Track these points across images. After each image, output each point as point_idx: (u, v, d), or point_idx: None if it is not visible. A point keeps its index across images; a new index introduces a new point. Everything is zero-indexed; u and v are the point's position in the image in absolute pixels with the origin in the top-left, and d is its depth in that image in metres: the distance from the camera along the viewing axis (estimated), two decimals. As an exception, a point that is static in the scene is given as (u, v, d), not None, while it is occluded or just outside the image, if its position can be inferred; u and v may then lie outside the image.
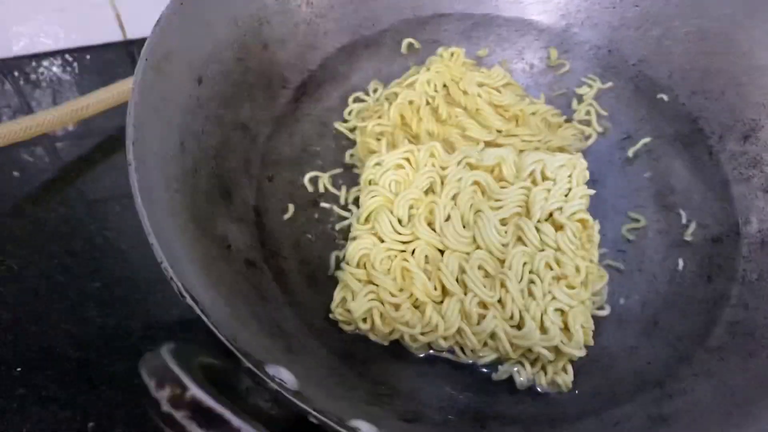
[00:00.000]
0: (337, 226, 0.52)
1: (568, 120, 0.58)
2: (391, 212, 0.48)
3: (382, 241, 0.47)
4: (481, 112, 0.55)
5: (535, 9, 0.62)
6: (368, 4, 0.60)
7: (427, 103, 0.55)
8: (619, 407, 0.44)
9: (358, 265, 0.47)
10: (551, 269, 0.45)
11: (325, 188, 0.54)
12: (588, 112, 0.58)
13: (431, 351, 0.46)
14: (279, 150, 0.54)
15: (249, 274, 0.46)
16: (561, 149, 0.54)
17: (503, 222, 0.48)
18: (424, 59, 0.60)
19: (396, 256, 0.47)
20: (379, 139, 0.53)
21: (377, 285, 0.46)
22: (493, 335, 0.44)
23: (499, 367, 0.46)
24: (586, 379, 0.45)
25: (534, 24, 0.63)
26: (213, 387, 0.27)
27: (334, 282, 0.48)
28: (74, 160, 0.62)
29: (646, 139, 0.57)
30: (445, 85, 0.57)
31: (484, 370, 0.46)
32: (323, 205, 0.53)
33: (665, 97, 0.58)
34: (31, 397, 0.49)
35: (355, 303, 0.45)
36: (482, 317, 0.45)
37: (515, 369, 0.45)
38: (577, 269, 0.45)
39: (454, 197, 0.48)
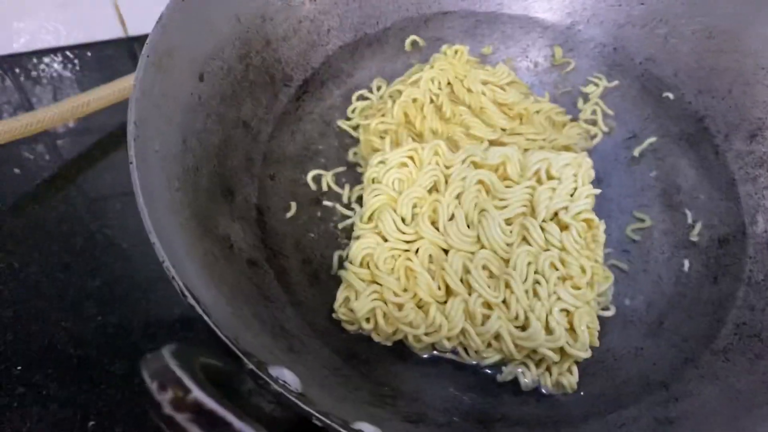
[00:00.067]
0: (340, 225, 0.52)
1: (574, 119, 0.58)
2: (395, 211, 0.47)
3: (386, 241, 0.47)
4: (486, 111, 0.55)
5: (540, 6, 0.62)
6: (371, 1, 0.60)
7: (431, 101, 0.55)
8: (625, 409, 0.44)
9: (361, 265, 0.46)
10: (556, 269, 0.45)
11: (329, 186, 0.53)
12: (594, 112, 0.58)
13: (435, 352, 0.46)
14: (281, 148, 0.54)
15: (251, 274, 0.45)
16: (566, 148, 0.54)
17: (508, 221, 0.47)
18: (427, 57, 0.59)
19: (399, 256, 0.46)
20: (382, 138, 0.53)
21: (381, 285, 0.45)
22: (497, 336, 0.44)
23: (504, 368, 0.45)
24: (591, 381, 0.45)
25: (539, 21, 0.62)
26: (215, 389, 0.27)
27: (336, 281, 0.48)
28: (75, 157, 0.62)
29: (652, 139, 0.56)
30: (449, 83, 0.56)
31: (488, 371, 0.46)
32: (326, 203, 0.53)
33: (671, 96, 0.58)
34: (31, 396, 0.48)
35: (359, 303, 0.45)
36: (486, 318, 0.44)
37: (520, 370, 0.45)
38: (583, 269, 0.45)
39: (458, 196, 0.48)
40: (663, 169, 0.55)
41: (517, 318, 0.44)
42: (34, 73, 0.68)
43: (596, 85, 0.60)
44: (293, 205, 0.52)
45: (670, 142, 0.56)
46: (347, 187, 0.54)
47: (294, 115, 0.55)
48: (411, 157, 0.49)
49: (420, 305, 0.45)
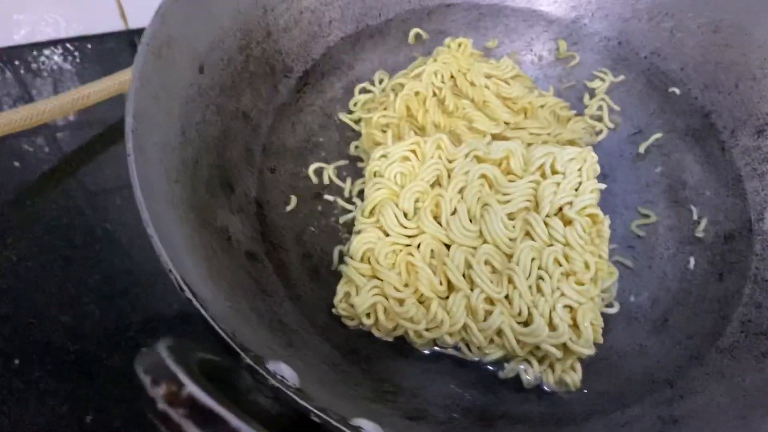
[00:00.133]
0: (341, 219, 0.51)
1: (579, 114, 0.57)
2: (397, 205, 0.47)
3: (387, 235, 0.46)
4: (489, 104, 0.54)
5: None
6: (373, -8, 0.59)
7: (434, 94, 0.54)
8: (629, 407, 0.43)
9: (362, 260, 0.46)
10: (560, 265, 0.44)
11: (330, 180, 0.53)
12: (600, 107, 0.57)
13: (436, 347, 0.45)
14: (281, 141, 0.53)
15: (250, 268, 0.45)
16: (571, 143, 0.53)
17: (511, 216, 0.47)
18: (430, 50, 0.59)
19: (401, 251, 0.46)
20: (384, 131, 0.52)
21: (381, 280, 0.45)
22: (499, 332, 0.43)
23: (506, 364, 0.45)
24: (594, 378, 0.44)
25: (543, 15, 0.61)
26: (211, 384, 0.26)
27: (337, 276, 0.47)
28: (75, 150, 0.61)
29: (658, 134, 0.56)
30: (452, 76, 0.55)
31: (490, 367, 0.45)
32: (327, 197, 0.52)
33: (677, 91, 0.57)
34: (29, 390, 0.48)
35: (359, 298, 0.44)
36: (489, 313, 0.44)
37: (522, 367, 0.44)
38: (587, 265, 0.44)
39: (461, 190, 0.47)
40: (668, 164, 0.55)
41: (520, 314, 0.43)
42: (34, 66, 0.67)
43: (602, 80, 0.59)
44: (293, 198, 0.51)
45: (676, 138, 0.56)
46: (349, 180, 0.53)
47: (294, 106, 0.55)
48: (413, 151, 0.48)
49: (421, 300, 0.45)
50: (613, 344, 0.46)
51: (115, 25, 0.69)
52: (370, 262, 0.45)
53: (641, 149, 0.55)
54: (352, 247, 0.46)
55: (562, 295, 0.43)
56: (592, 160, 0.48)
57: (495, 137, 0.52)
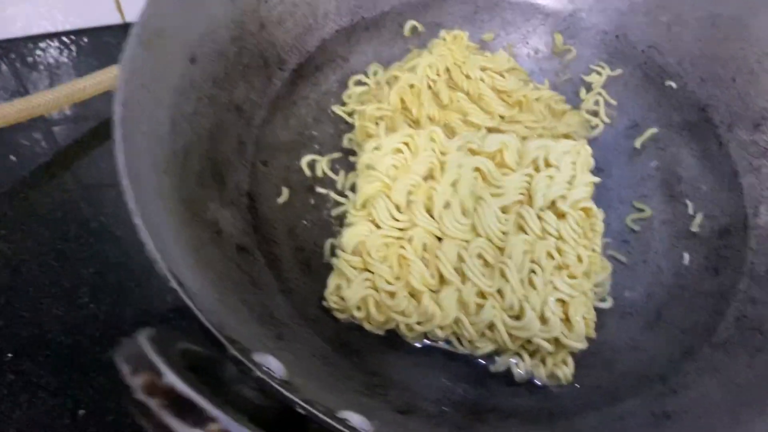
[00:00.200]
0: (334, 212, 0.51)
1: (575, 108, 0.57)
2: (389, 198, 0.46)
3: (379, 228, 0.46)
4: (484, 97, 0.54)
5: (542, -8, 0.61)
6: (369, -15, 0.59)
7: (429, 87, 0.54)
8: (621, 402, 0.43)
9: (353, 252, 0.45)
10: (552, 258, 0.44)
11: (323, 173, 0.53)
12: (597, 102, 0.57)
13: (427, 341, 0.45)
14: (275, 133, 0.53)
15: (240, 260, 0.44)
16: (566, 136, 0.53)
17: (505, 210, 0.46)
18: (426, 42, 0.58)
19: (393, 244, 0.45)
20: (378, 124, 0.52)
21: (373, 273, 0.44)
22: (491, 326, 0.43)
23: (497, 358, 0.44)
24: (587, 373, 0.44)
25: (540, 8, 0.61)
26: (194, 375, 0.26)
27: (329, 269, 0.47)
28: (71, 144, 0.61)
29: (654, 128, 0.55)
30: (447, 69, 0.55)
31: (482, 361, 0.45)
32: (320, 190, 0.52)
33: (674, 85, 0.57)
34: (22, 383, 0.48)
35: (350, 291, 0.44)
36: (480, 307, 0.43)
37: (513, 361, 0.44)
38: (579, 259, 0.44)
39: (454, 184, 0.47)
40: (664, 159, 0.54)
41: (511, 308, 0.43)
42: (29, 59, 0.67)
43: (599, 73, 0.58)
44: (286, 191, 0.51)
45: (672, 132, 0.55)
46: (342, 173, 0.53)
47: (288, 99, 0.54)
48: (406, 144, 0.48)
49: (413, 294, 0.44)
50: (606, 339, 0.46)
51: (111, 18, 0.69)
52: (361, 255, 0.45)
53: (637, 143, 0.55)
54: (343, 239, 0.46)
55: (555, 288, 0.43)
56: (586, 153, 0.47)
57: (490, 130, 0.52)
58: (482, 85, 0.54)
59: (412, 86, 0.54)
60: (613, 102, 0.57)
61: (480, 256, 0.45)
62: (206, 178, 0.46)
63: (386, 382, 0.43)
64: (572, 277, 0.44)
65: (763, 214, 0.50)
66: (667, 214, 0.52)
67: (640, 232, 0.51)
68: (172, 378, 0.23)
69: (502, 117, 0.54)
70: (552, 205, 0.46)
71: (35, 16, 0.67)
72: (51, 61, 0.67)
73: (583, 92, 0.58)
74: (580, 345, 0.43)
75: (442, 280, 0.45)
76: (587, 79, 0.58)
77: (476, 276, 0.43)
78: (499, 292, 0.44)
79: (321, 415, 0.30)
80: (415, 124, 0.53)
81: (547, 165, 0.47)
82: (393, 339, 0.46)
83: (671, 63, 0.57)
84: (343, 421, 0.31)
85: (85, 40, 0.68)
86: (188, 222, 0.41)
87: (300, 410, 0.30)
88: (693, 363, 0.44)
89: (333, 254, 0.48)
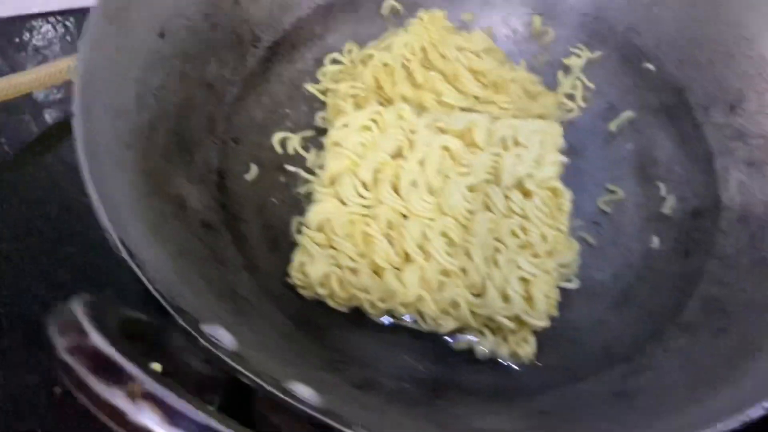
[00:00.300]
0: (302, 190, 0.51)
1: (551, 90, 0.56)
2: (356, 175, 0.46)
3: (345, 205, 0.46)
4: (459, 78, 0.53)
5: (523, -27, 0.60)
6: (346, -38, 0.58)
7: (403, 66, 0.54)
8: (584, 382, 0.43)
9: (318, 229, 0.45)
10: (517, 237, 0.44)
11: (295, 151, 0.52)
12: (574, 86, 0.56)
13: (392, 318, 0.45)
14: (247, 111, 0.53)
15: (204, 236, 0.44)
16: (540, 117, 0.52)
17: (472, 189, 0.46)
18: (404, 22, 0.57)
19: (358, 221, 0.45)
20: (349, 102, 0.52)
21: (337, 249, 0.44)
22: (454, 303, 0.43)
23: (459, 336, 0.44)
24: (550, 352, 0.44)
25: (520, -11, 0.60)
26: (132, 342, 0.26)
27: (296, 247, 0.47)
28: (55, 125, 0.60)
29: (630, 111, 0.55)
30: (423, 49, 0.54)
31: (448, 339, 0.45)
32: (290, 168, 0.52)
33: (651, 67, 0.56)
34: (-1, 361, 0.48)
35: (313, 267, 0.44)
36: (443, 285, 0.43)
37: (476, 339, 0.44)
38: (543, 237, 0.44)
39: (421, 162, 0.46)
40: (640, 142, 0.54)
41: (474, 285, 0.43)
42: (17, 40, 0.67)
43: (578, 56, 0.58)
44: (255, 168, 0.51)
45: (649, 115, 0.55)
46: (313, 152, 0.52)
47: (262, 77, 0.54)
48: (375, 120, 0.48)
49: (376, 271, 0.44)
50: (571, 319, 0.46)
51: (98, -2, 0.68)
52: (325, 232, 0.45)
53: (613, 126, 0.54)
54: (308, 216, 0.46)
55: (518, 267, 0.43)
56: (555, 132, 0.47)
57: (464, 111, 0.52)
58: (458, 66, 0.54)
59: (385, 65, 0.53)
60: (592, 86, 0.57)
61: (445, 234, 0.44)
62: (172, 153, 0.45)
63: (347, 359, 0.43)
64: (536, 256, 0.43)
65: (735, 196, 0.49)
66: (640, 197, 0.51)
67: (611, 214, 0.51)
68: (97, 339, 0.23)
69: (476, 97, 0.53)
70: (519, 184, 0.46)
71: (24, -5, 0.67)
72: (41, 42, 0.67)
73: (561, 75, 0.57)
74: (542, 323, 0.42)
75: (407, 258, 0.44)
76: (566, 62, 0.58)
77: (439, 254, 0.43)
78: (463, 270, 0.44)
79: (266, 386, 0.30)
80: (388, 103, 0.52)
81: (516, 144, 0.47)
82: (359, 317, 0.45)
83: (649, 45, 0.56)
84: (288, 392, 0.31)
85: (72, 20, 0.68)
86: (149, 195, 0.40)
87: (245, 380, 0.30)
88: (658, 344, 0.44)
89: (299, 231, 0.48)
